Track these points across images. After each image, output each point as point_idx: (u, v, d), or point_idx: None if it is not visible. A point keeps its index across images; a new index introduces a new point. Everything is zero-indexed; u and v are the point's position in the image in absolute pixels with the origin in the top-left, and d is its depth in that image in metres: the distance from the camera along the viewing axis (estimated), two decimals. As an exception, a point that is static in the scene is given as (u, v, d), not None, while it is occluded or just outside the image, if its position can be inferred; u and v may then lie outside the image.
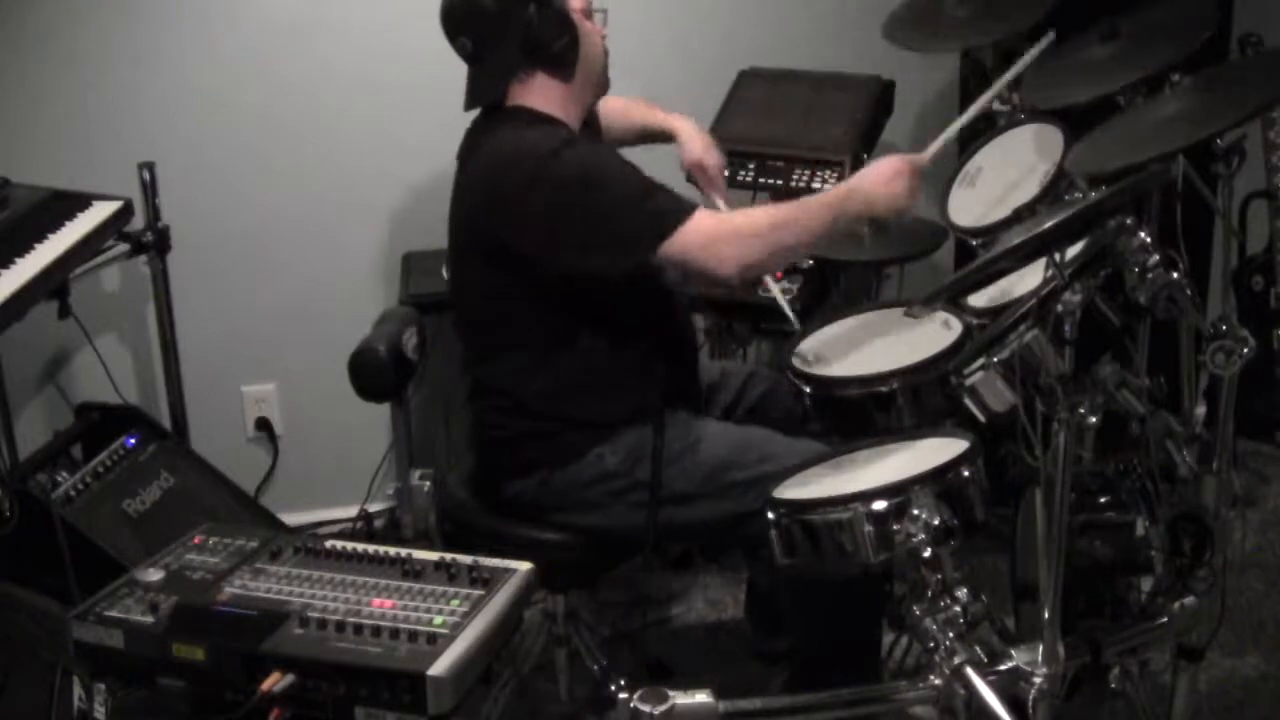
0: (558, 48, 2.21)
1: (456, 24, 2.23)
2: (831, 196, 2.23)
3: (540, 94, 2.25)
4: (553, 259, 2.16)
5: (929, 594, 1.86)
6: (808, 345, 2.35)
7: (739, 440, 2.27)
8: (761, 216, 2.20)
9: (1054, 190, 2.23)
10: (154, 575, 1.83)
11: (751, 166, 3.04)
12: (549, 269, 2.17)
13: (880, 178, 2.24)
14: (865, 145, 3.03)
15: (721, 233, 2.15)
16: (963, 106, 3.36)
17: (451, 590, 1.79)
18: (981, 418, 1.93)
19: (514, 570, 1.85)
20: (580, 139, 2.24)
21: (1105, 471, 2.22)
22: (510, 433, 2.30)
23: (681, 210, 2.13)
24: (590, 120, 2.42)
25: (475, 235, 2.24)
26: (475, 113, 2.34)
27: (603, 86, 2.34)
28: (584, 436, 2.26)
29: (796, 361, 2.29)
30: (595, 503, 2.25)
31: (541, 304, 2.22)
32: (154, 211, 3.00)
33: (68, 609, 1.81)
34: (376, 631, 1.68)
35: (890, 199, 2.23)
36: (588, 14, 2.28)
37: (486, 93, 2.29)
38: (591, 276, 2.17)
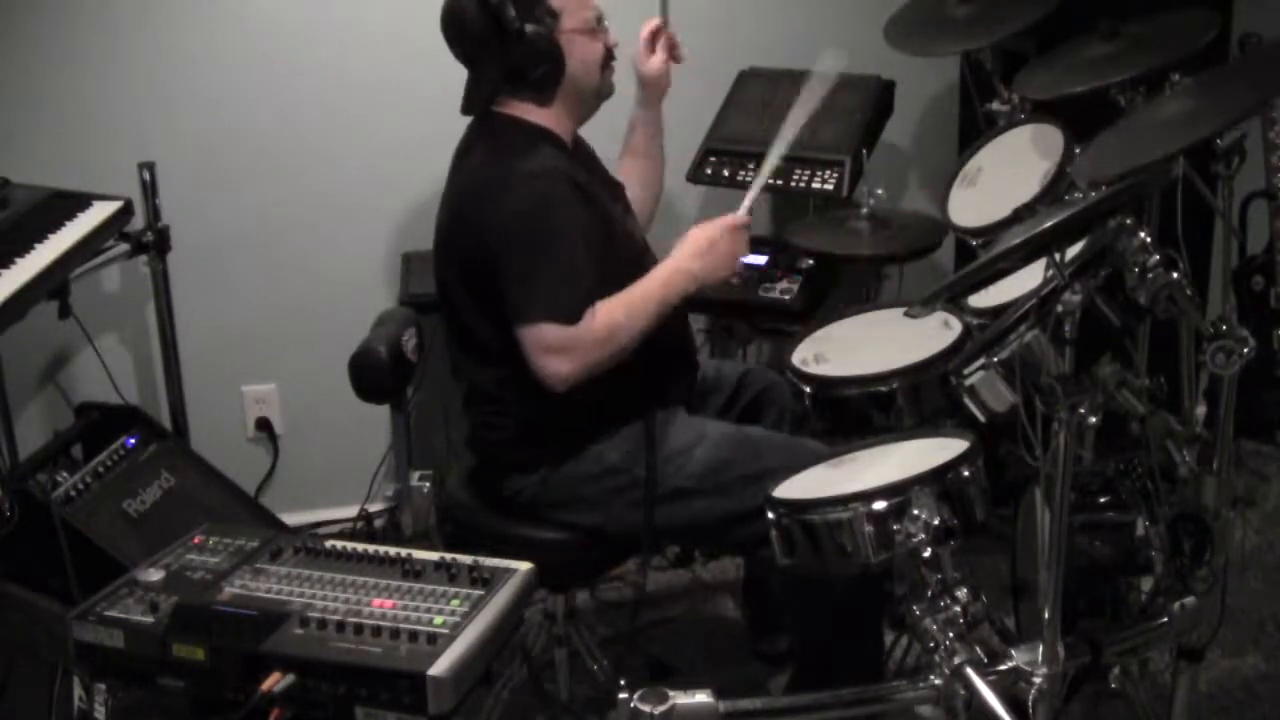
0: (536, 76, 2.23)
1: (448, 36, 2.27)
2: (654, 288, 2.23)
3: (527, 110, 2.28)
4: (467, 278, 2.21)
5: (929, 594, 1.86)
6: (808, 345, 2.35)
7: (738, 438, 2.28)
8: (598, 330, 2.17)
9: (1054, 190, 2.23)
10: (154, 575, 1.83)
11: (751, 166, 3.04)
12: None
13: (695, 251, 2.26)
14: (865, 145, 3.03)
15: (561, 347, 2.14)
16: (963, 107, 3.38)
17: (451, 590, 1.79)
18: (981, 418, 1.93)
19: (514, 570, 1.85)
20: (552, 174, 2.21)
21: (1105, 471, 2.22)
22: (508, 434, 2.31)
23: (550, 309, 2.13)
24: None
25: (462, 240, 2.27)
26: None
27: (600, 98, 2.34)
28: (583, 433, 2.26)
29: (796, 361, 2.29)
30: (595, 500, 2.26)
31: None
32: (154, 211, 3.00)
33: (68, 609, 1.81)
34: (377, 631, 1.68)
35: (711, 269, 2.27)
36: (593, 28, 2.28)
37: (474, 103, 2.32)
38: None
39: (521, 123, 2.27)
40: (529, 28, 2.19)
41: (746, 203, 2.36)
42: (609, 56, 2.32)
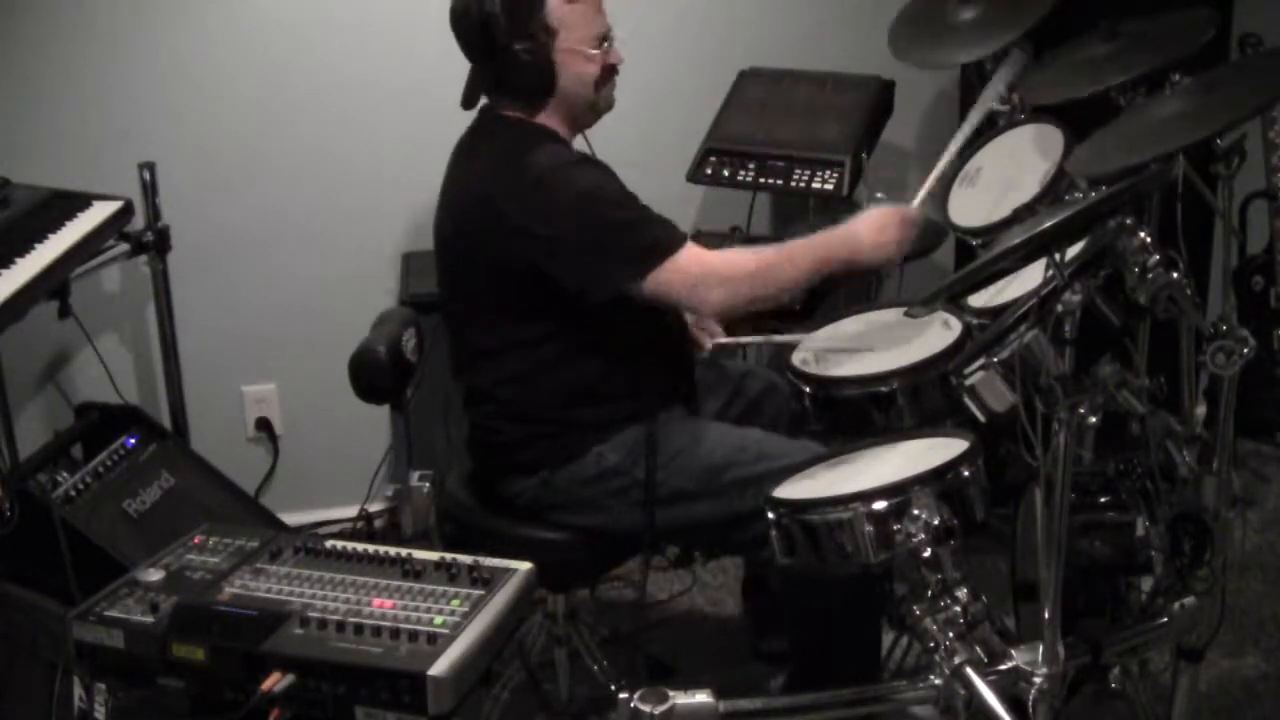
0: (526, 85, 2.23)
1: (454, 32, 2.26)
2: (819, 243, 2.24)
3: (522, 113, 2.27)
4: (542, 275, 2.17)
5: (929, 594, 1.86)
6: (808, 345, 2.35)
7: (738, 440, 2.28)
8: (747, 261, 2.21)
9: (1054, 190, 2.23)
10: (154, 575, 1.83)
11: (751, 166, 3.04)
12: (539, 284, 2.18)
13: (872, 227, 2.27)
14: (865, 145, 3.03)
15: (706, 275, 2.17)
16: (963, 107, 3.37)
17: (451, 590, 1.79)
18: (981, 418, 1.93)
19: (514, 570, 1.85)
20: (582, 158, 2.25)
21: (1105, 471, 2.22)
22: (509, 436, 2.31)
23: (671, 245, 2.15)
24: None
25: (469, 244, 2.25)
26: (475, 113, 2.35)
27: (597, 111, 2.33)
28: (583, 436, 2.26)
29: (796, 361, 2.29)
30: (595, 502, 2.26)
31: (531, 309, 2.23)
32: (154, 211, 3.00)
33: (68, 609, 1.81)
34: (377, 631, 1.68)
35: (877, 249, 2.27)
36: (592, 49, 2.25)
37: (469, 98, 2.31)
38: (575, 296, 2.18)
39: (522, 122, 2.27)
40: (518, 45, 2.17)
41: (922, 194, 2.36)
42: (609, 73, 2.30)
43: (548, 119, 2.27)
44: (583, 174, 2.21)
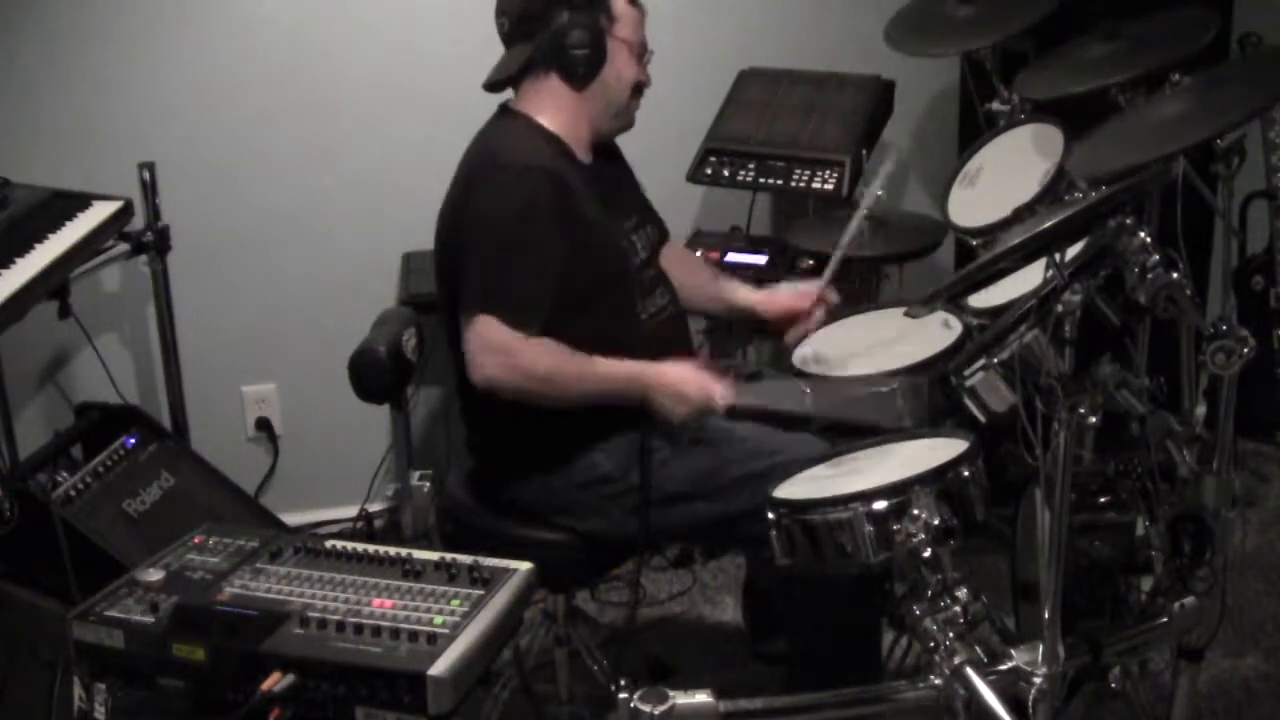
0: (578, 56, 2.23)
1: (504, 6, 2.26)
2: (619, 378, 2.18)
3: (551, 99, 2.27)
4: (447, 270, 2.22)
5: (929, 594, 1.85)
6: (808, 345, 2.35)
7: (733, 439, 2.27)
8: (545, 361, 2.14)
9: (1054, 190, 2.23)
10: (154, 575, 1.83)
11: (751, 166, 3.05)
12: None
13: (674, 391, 2.18)
14: (865, 145, 3.03)
15: (498, 349, 2.13)
16: (963, 107, 3.38)
17: (451, 590, 1.79)
18: (981, 418, 1.93)
19: (514, 570, 1.85)
20: (539, 181, 2.19)
21: (1105, 471, 2.22)
22: (505, 439, 2.31)
23: (499, 305, 2.12)
24: (611, 150, 2.43)
25: (453, 241, 2.26)
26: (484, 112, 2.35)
27: (619, 121, 2.34)
28: (577, 441, 2.26)
29: (796, 361, 2.29)
30: (592, 507, 2.25)
31: None
32: (154, 211, 3.00)
33: (68, 609, 1.81)
34: (376, 631, 1.68)
35: (665, 410, 2.17)
36: (637, 53, 2.29)
37: (502, 70, 2.30)
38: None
39: (530, 122, 2.26)
40: (585, 15, 2.21)
41: (739, 399, 2.20)
42: (640, 86, 2.32)
43: (574, 113, 2.27)
44: (518, 197, 2.17)
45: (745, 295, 2.56)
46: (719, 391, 2.18)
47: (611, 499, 2.24)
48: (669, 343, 2.35)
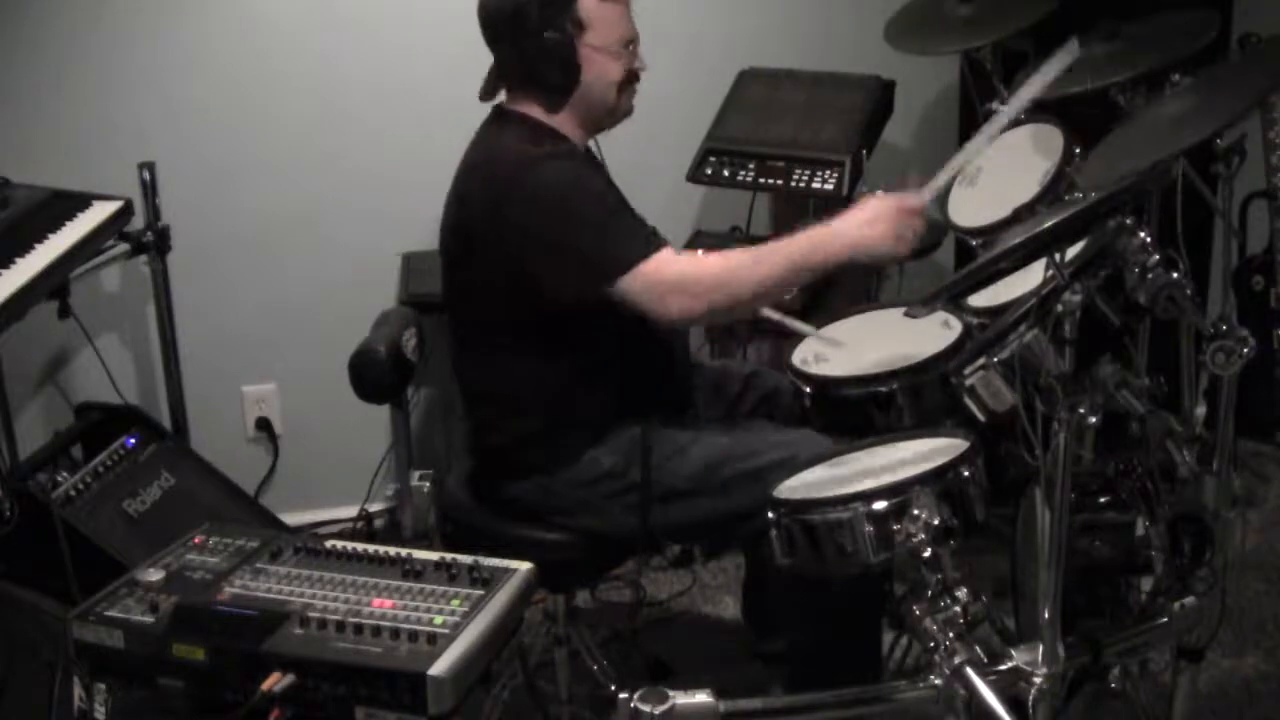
0: (549, 82, 2.21)
1: (480, 21, 2.25)
2: (799, 244, 2.14)
3: (540, 106, 2.26)
4: (520, 274, 2.17)
5: (929, 594, 1.85)
6: (808, 345, 2.35)
7: (733, 436, 2.27)
8: (710, 268, 2.15)
9: (1054, 190, 2.23)
10: (154, 575, 1.83)
11: (751, 166, 3.04)
12: (529, 283, 2.18)
13: (859, 220, 2.14)
14: (865, 145, 3.03)
15: (671, 281, 2.12)
16: (963, 107, 3.38)
17: (451, 590, 1.79)
18: (981, 418, 1.93)
19: (514, 570, 1.85)
20: (571, 155, 2.23)
21: (1105, 471, 2.22)
22: (506, 438, 2.31)
23: (635, 254, 2.11)
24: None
25: (461, 240, 2.26)
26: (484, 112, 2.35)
27: (615, 117, 2.31)
28: (578, 439, 2.26)
29: (796, 361, 2.29)
30: (592, 505, 2.25)
31: (529, 306, 2.22)
32: (154, 211, 3.00)
33: (68, 609, 1.81)
34: (376, 631, 1.68)
35: (871, 242, 2.13)
36: (617, 51, 2.24)
37: (488, 89, 2.31)
38: (554, 295, 2.17)
39: (533, 121, 2.26)
40: (549, 34, 2.16)
41: (931, 185, 2.19)
42: (631, 79, 2.29)
43: (563, 120, 2.26)
44: (567, 170, 2.18)
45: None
46: (904, 199, 2.14)
47: (612, 496, 2.24)
48: (675, 342, 2.38)
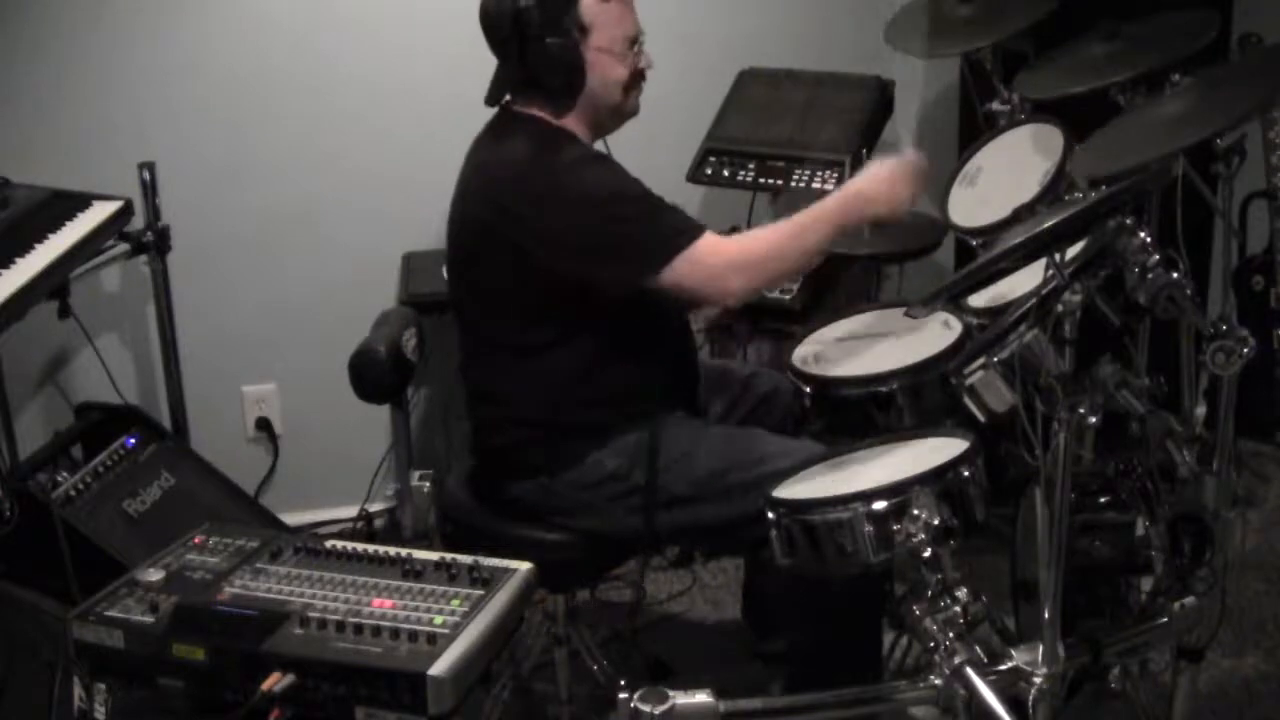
0: (553, 85, 2.22)
1: (483, 27, 2.25)
2: (832, 208, 2.24)
3: (547, 108, 2.26)
4: (563, 269, 2.17)
5: (929, 594, 1.85)
6: (808, 345, 2.35)
7: (738, 442, 2.27)
8: (760, 243, 2.23)
9: (1054, 190, 2.23)
10: (154, 575, 1.83)
11: (751, 166, 3.04)
12: (558, 276, 2.18)
13: (872, 176, 2.27)
14: (865, 145, 3.03)
15: (724, 265, 2.18)
16: (963, 107, 3.38)
17: (451, 590, 1.79)
18: (981, 418, 1.93)
19: (514, 570, 1.85)
20: (600, 158, 2.26)
21: (1105, 471, 2.22)
22: (509, 438, 2.31)
23: (686, 238, 2.15)
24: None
25: (479, 240, 2.25)
26: (484, 111, 2.35)
27: (621, 116, 2.32)
28: (582, 441, 2.26)
29: (796, 361, 2.29)
30: (595, 506, 2.25)
31: (538, 308, 2.23)
32: (154, 211, 3.00)
33: (68, 609, 1.81)
34: (376, 631, 1.68)
35: (889, 200, 2.26)
36: (621, 50, 2.24)
37: (494, 95, 2.30)
38: (596, 289, 2.18)
39: (542, 122, 2.26)
40: (550, 39, 2.16)
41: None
42: (637, 78, 2.29)
43: (571, 121, 2.26)
44: (598, 171, 2.21)
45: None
46: (909, 159, 2.29)
47: (615, 499, 2.24)
48: (683, 332, 2.39)
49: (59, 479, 2.65)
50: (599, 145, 2.34)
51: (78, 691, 1.76)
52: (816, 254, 2.27)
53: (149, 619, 1.74)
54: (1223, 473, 2.03)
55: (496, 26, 2.20)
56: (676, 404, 2.36)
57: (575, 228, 2.15)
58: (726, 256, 2.19)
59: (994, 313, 2.10)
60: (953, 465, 1.87)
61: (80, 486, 2.64)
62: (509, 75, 2.26)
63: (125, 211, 2.87)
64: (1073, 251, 1.93)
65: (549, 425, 2.26)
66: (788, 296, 2.92)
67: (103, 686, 1.75)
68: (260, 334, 3.29)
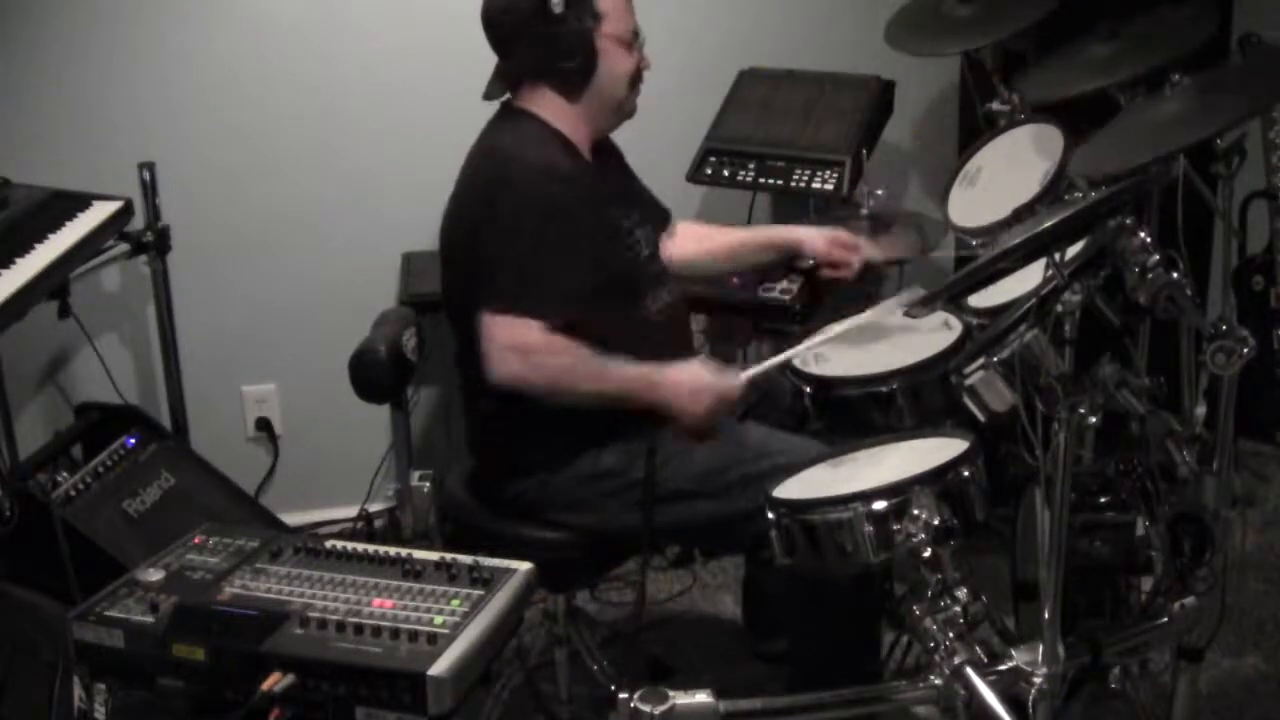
0: (568, 69, 2.22)
1: (487, 16, 2.26)
2: (633, 378, 2.18)
3: (549, 106, 2.27)
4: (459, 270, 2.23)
5: (929, 594, 1.86)
6: (808, 345, 2.34)
7: (737, 439, 2.27)
8: (563, 361, 2.15)
9: (1054, 190, 2.23)
10: (154, 575, 1.83)
11: (751, 166, 3.04)
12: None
13: (686, 387, 2.19)
14: (865, 145, 3.03)
15: (517, 349, 2.13)
16: (963, 107, 3.38)
17: (451, 590, 1.79)
18: (981, 418, 1.93)
19: (514, 570, 1.85)
20: (567, 178, 2.22)
21: (1105, 471, 2.22)
22: (506, 435, 2.30)
23: (524, 303, 2.12)
24: (608, 147, 2.42)
25: (453, 235, 2.27)
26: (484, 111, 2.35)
27: (621, 114, 2.33)
28: (580, 437, 2.26)
29: (796, 361, 2.29)
30: (593, 503, 2.26)
31: None
32: (154, 211, 3.00)
33: (68, 609, 1.81)
34: (377, 631, 1.68)
35: (686, 413, 2.18)
36: (628, 42, 2.27)
37: (495, 89, 2.31)
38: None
39: (537, 119, 2.26)
40: (571, 23, 2.19)
41: (754, 371, 2.27)
42: (638, 75, 2.31)
43: (574, 116, 2.27)
44: (544, 194, 2.18)
45: (785, 233, 2.60)
46: (728, 386, 2.20)
47: (612, 495, 2.24)
48: (673, 337, 2.37)
49: (59, 479, 2.65)
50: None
51: (78, 691, 1.76)
52: (594, 403, 2.17)
53: (149, 619, 1.74)
54: (1223, 473, 2.03)
55: (514, 11, 2.21)
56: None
57: (499, 224, 2.16)
58: (524, 342, 2.13)
59: (994, 313, 2.10)
60: (953, 465, 1.87)
61: (80, 486, 2.64)
62: (519, 66, 2.26)
63: (125, 211, 2.87)
64: (1073, 251, 1.93)
65: (546, 421, 2.25)
66: (788, 297, 2.91)
67: (103, 686, 1.75)
68: (260, 334, 3.29)
